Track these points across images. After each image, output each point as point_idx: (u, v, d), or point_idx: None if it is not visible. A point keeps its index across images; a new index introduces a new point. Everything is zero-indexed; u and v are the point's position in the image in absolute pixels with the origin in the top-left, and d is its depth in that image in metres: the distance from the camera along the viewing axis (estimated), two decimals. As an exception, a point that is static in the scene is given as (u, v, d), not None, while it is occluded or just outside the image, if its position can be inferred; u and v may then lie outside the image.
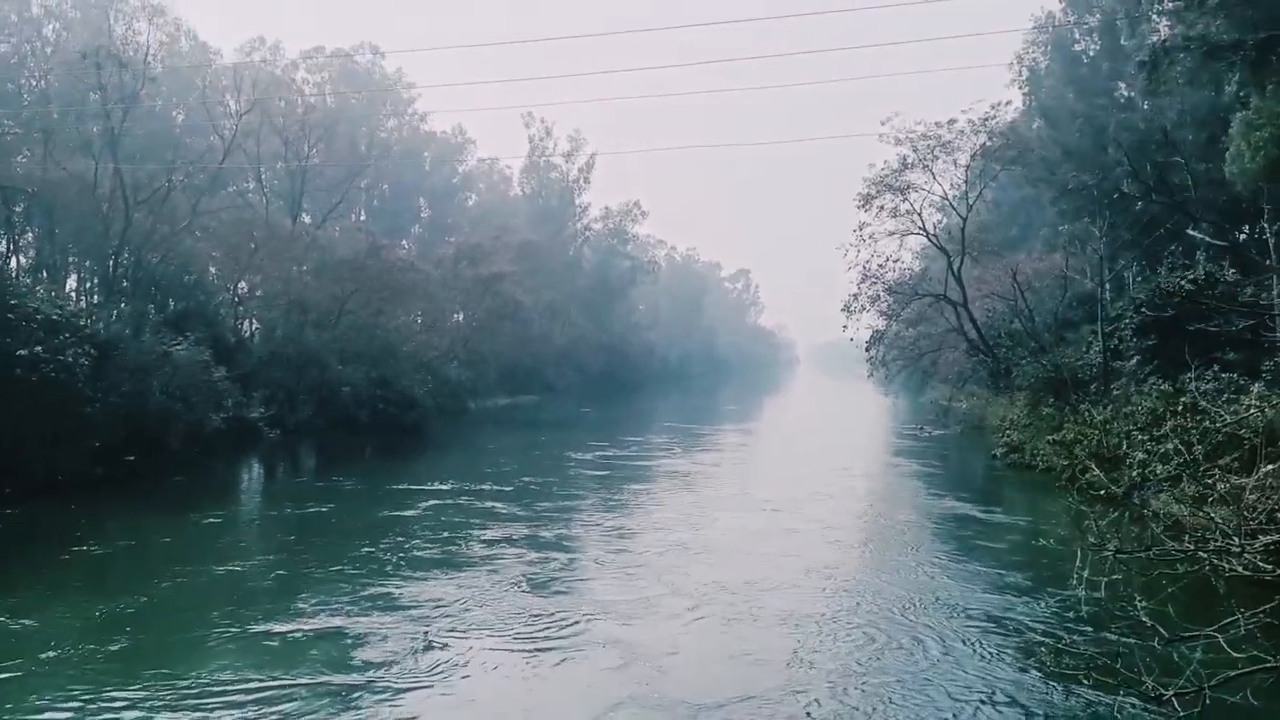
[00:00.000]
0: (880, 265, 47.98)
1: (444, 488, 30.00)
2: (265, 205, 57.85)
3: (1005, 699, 12.29)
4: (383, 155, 69.81)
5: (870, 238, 47.41)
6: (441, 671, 13.16)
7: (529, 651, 14.03)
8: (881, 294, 48.55)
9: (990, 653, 14.04)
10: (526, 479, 31.97)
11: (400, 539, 22.03)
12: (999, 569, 19.17)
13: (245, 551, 22.49)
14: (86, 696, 12.00)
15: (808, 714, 11.82)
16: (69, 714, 11.53)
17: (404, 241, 77.80)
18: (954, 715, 11.85)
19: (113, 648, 14.06)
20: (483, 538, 22.14)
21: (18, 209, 42.15)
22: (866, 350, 50.27)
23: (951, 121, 45.50)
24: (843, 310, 48.54)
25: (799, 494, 29.54)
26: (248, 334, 54.28)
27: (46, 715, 11.46)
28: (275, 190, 60.20)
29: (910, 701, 12.24)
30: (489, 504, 26.82)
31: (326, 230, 61.04)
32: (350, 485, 32.19)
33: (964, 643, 14.47)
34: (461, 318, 70.44)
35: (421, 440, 47.85)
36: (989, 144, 45.79)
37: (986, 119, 45.74)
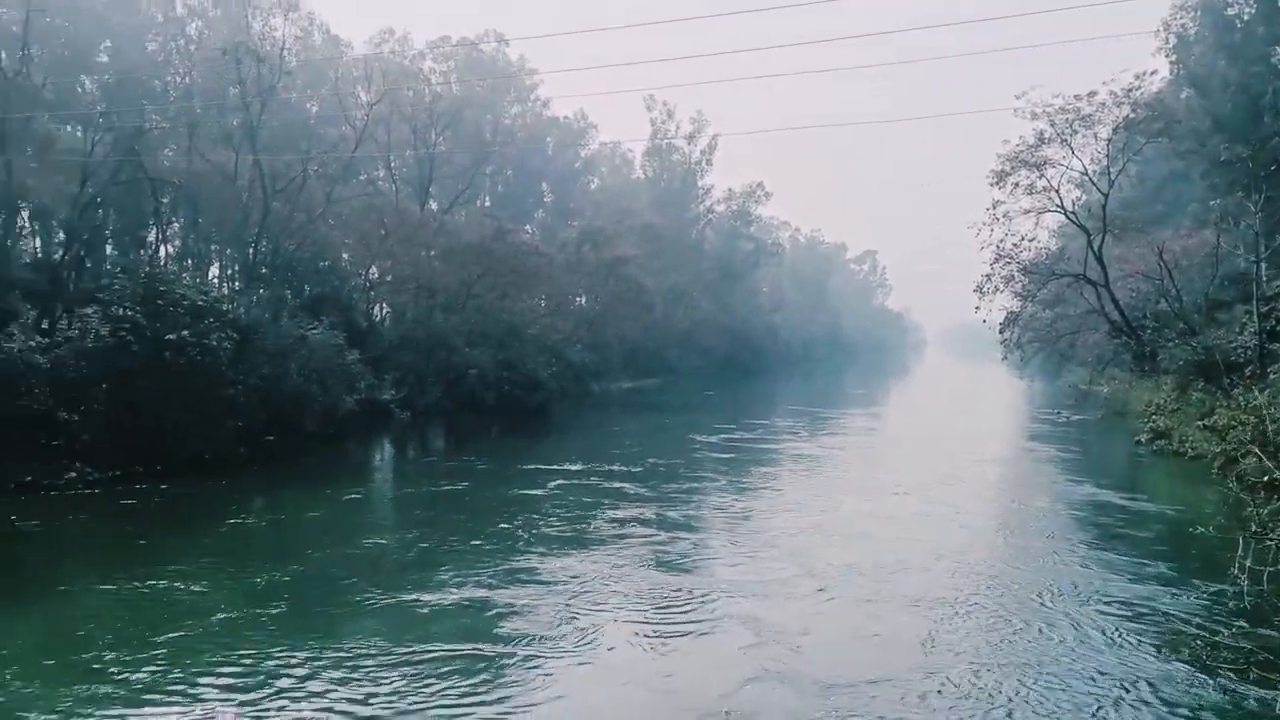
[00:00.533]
0: (1015, 244, 46.04)
1: (572, 468, 30.34)
2: (395, 192, 59.30)
3: (1151, 690, 11.74)
4: (507, 141, 70.67)
5: (1004, 216, 45.53)
6: (581, 643, 13.56)
7: (664, 627, 14.28)
8: (1016, 274, 46.67)
9: (1133, 642, 13.44)
10: (653, 460, 32.01)
11: (533, 516, 22.52)
12: (1143, 558, 18.30)
13: (387, 526, 23.46)
14: (254, 658, 12.79)
15: (940, 696, 11.61)
16: (239, 672, 12.32)
17: (528, 226, 78.70)
18: (1096, 703, 11.40)
19: (274, 612, 14.95)
20: (613, 517, 22.42)
21: (165, 200, 44.18)
22: (1000, 332, 48.47)
23: (1092, 94, 43.20)
24: (975, 291, 46.85)
25: (928, 478, 28.97)
26: (379, 318, 55.88)
27: (220, 673, 12.26)
28: (404, 177, 61.65)
29: (1047, 687, 11.86)
30: (617, 484, 27.03)
31: (453, 216, 62.16)
32: (481, 465, 32.93)
33: (1105, 632, 13.93)
34: (585, 301, 70.94)
35: (547, 422, 48.45)
36: (1133, 116, 43.35)
37: (1130, 90, 43.29)
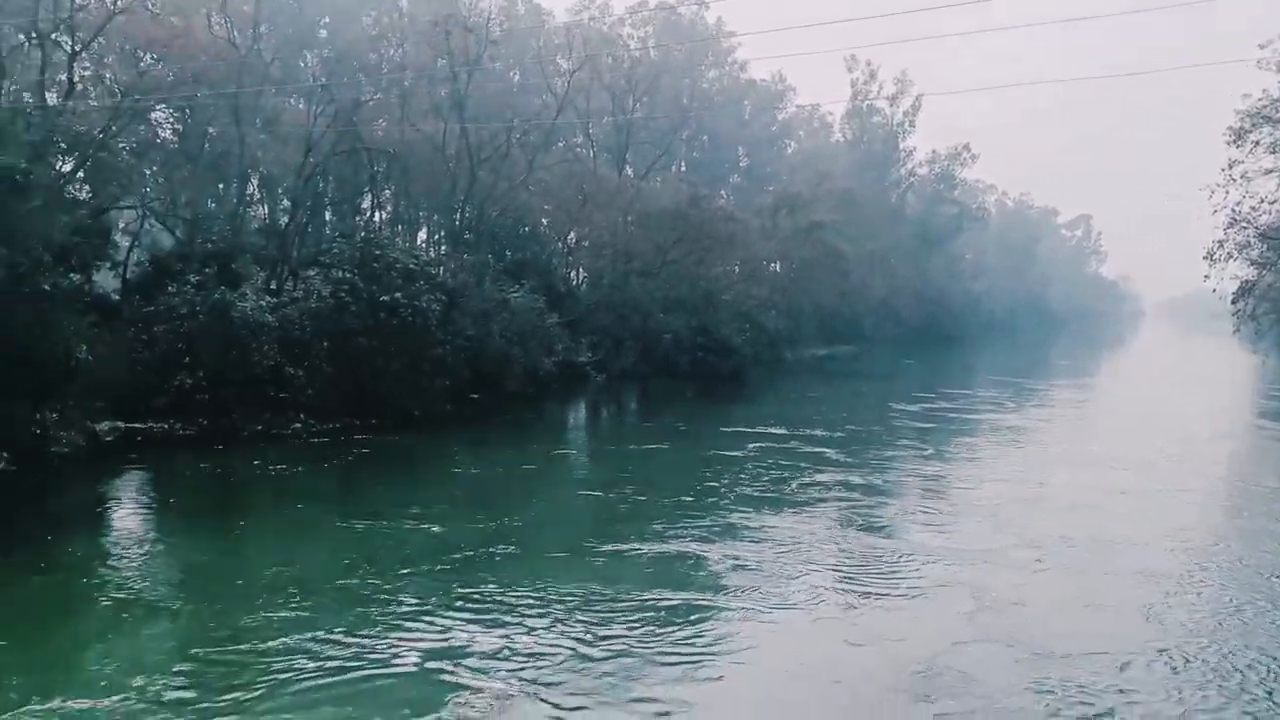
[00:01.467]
0: (1253, 208, 42.15)
1: (769, 432, 30.07)
2: (593, 159, 60.02)
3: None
4: (704, 106, 70.28)
5: (1242, 177, 41.59)
6: (796, 598, 13.69)
7: (876, 587, 14.23)
8: (1253, 240, 42.76)
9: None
10: (852, 427, 31.34)
11: (737, 476, 22.78)
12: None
13: (597, 481, 24.20)
14: (493, 593, 13.72)
15: (1159, 669, 11.23)
16: (482, 605, 13.28)
17: (722, 191, 78.23)
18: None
19: (506, 553, 15.98)
20: (815, 480, 22.26)
21: (379, 169, 46.28)
22: (1233, 303, 44.65)
23: (1351, 40, 38.77)
24: (1204, 259, 43.23)
25: (1146, 453, 27.50)
26: (576, 283, 56.92)
27: (466, 605, 13.26)
28: (602, 144, 62.27)
29: (1275, 669, 11.20)
30: (816, 449, 26.66)
31: (650, 181, 62.43)
32: (680, 426, 33.40)
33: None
34: (779, 267, 70.00)
35: (740, 387, 48.30)
36: (1397, 63, 38.63)
37: (1394, 33, 38.56)
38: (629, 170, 62.27)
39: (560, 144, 58.22)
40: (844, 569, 15.10)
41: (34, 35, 30.13)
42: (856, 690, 10.88)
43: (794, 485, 21.63)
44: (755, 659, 11.65)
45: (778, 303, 63.43)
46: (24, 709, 9.91)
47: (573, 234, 55.23)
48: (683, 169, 76.94)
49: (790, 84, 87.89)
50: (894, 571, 15.02)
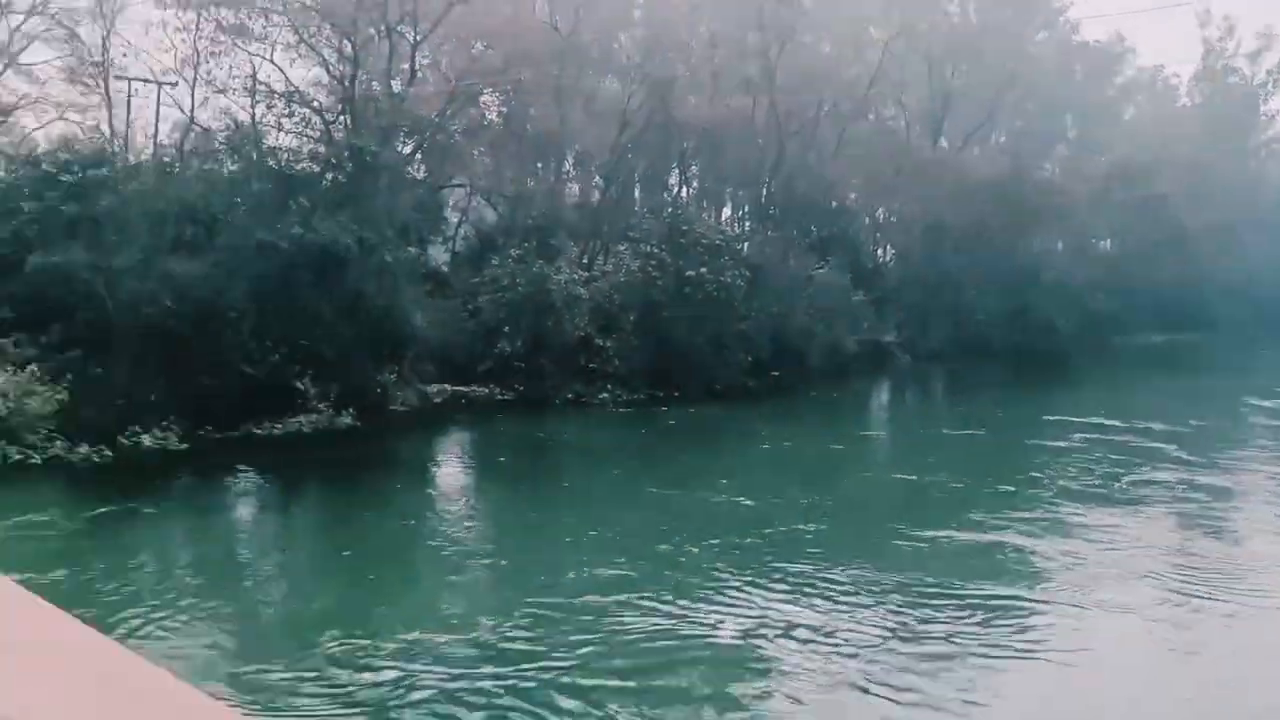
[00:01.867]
0: None
1: (1097, 422, 27.67)
2: (906, 130, 57.65)
3: None
4: (1031, 71, 65.61)
5: None
6: (1125, 602, 12.46)
7: (1217, 597, 12.69)
8: None
9: None
10: (1195, 422, 28.03)
11: (1059, 467, 21.25)
12: None
13: (907, 464, 23.39)
14: (807, 571, 13.55)
15: None
16: (797, 581, 13.13)
17: (1045, 163, 72.93)
18: None
19: (818, 531, 15.92)
20: (1150, 478, 20.26)
21: (688, 145, 46.78)
22: None
23: None
24: None
25: None
26: (883, 260, 55.10)
27: (781, 579, 13.18)
28: (915, 114, 59.59)
29: None
30: (1152, 444, 24.16)
31: (966, 152, 59.18)
32: (995, 412, 31.68)
33: None
34: (1109, 244, 64.36)
35: (1062, 373, 44.96)
36: None
37: None
38: (944, 141, 59.25)
39: (871, 116, 56.38)
40: (1184, 576, 13.50)
41: (383, 28, 32.79)
42: (1196, 708, 9.71)
43: (1125, 481, 19.69)
44: (1084, 666, 10.59)
45: (1106, 283, 58.43)
46: (393, 636, 10.76)
47: (881, 209, 53.42)
48: (1003, 139, 72.40)
49: (1129, 44, 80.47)
50: (1242, 583, 13.26)
